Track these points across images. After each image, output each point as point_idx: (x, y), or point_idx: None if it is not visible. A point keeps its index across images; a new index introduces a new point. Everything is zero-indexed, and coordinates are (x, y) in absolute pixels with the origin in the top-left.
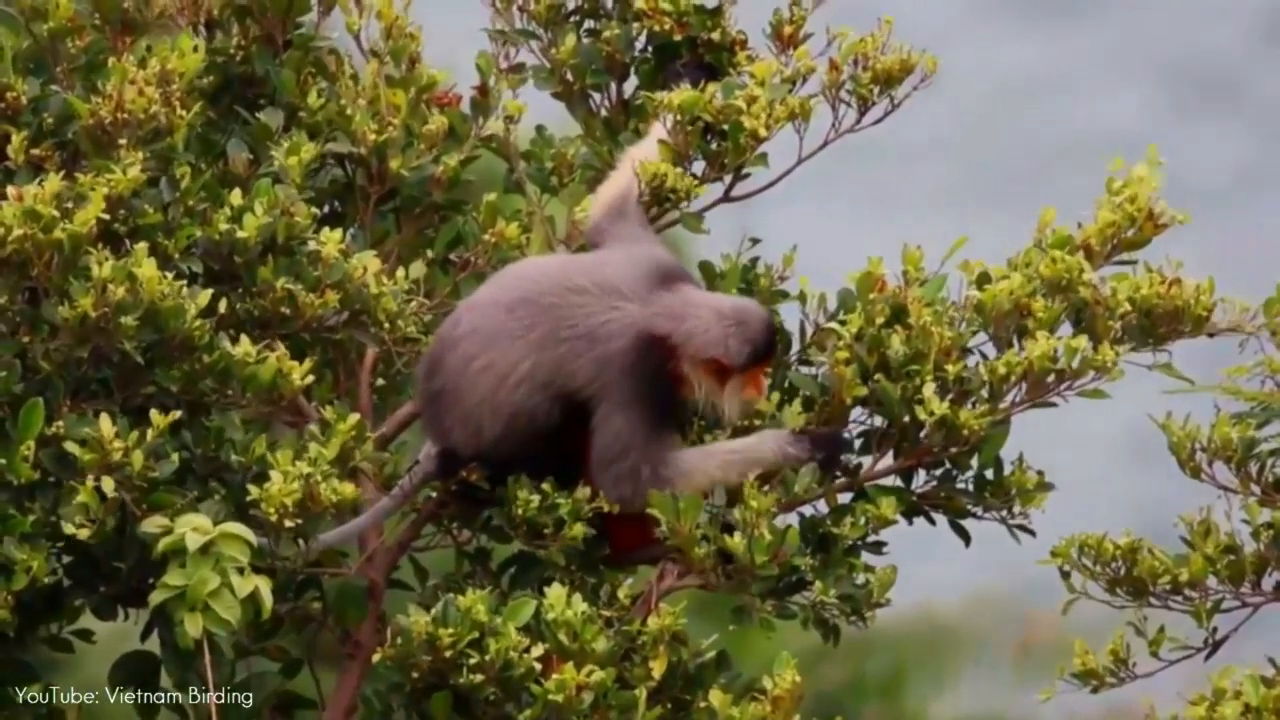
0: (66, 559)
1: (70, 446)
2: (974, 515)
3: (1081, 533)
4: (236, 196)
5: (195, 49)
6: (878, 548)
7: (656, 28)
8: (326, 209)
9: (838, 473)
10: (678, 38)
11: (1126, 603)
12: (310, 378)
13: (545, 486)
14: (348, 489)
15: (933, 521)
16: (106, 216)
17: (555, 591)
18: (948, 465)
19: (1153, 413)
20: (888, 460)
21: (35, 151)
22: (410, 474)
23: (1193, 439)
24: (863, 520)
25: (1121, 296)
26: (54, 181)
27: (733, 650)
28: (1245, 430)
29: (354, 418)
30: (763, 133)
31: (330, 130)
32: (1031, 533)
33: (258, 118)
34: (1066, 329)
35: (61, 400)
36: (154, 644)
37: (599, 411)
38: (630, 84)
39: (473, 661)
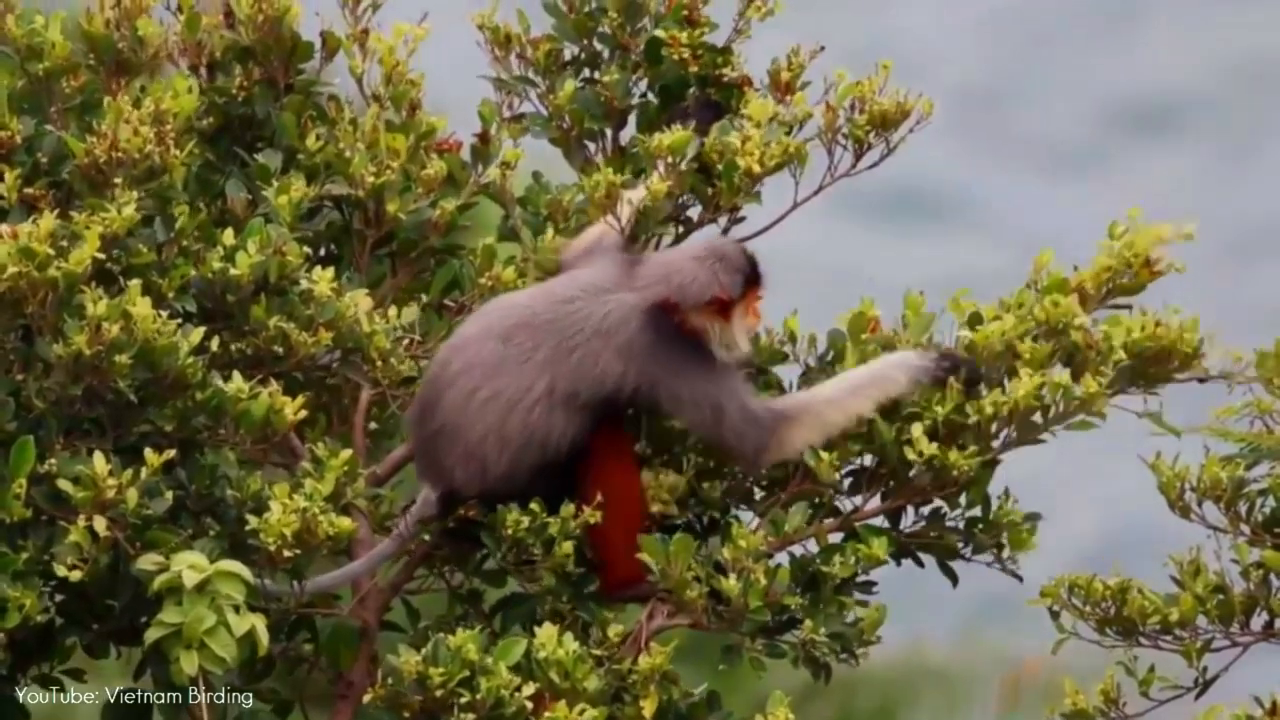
0: (59, 597)
1: (63, 484)
2: (963, 557)
3: (1071, 573)
4: (229, 236)
5: (190, 90)
6: (868, 587)
7: (675, 56)
8: (323, 251)
9: (974, 386)
10: (693, 69)
11: (1116, 642)
12: (303, 413)
13: (534, 506)
14: (344, 523)
15: (921, 564)
16: (101, 255)
17: (546, 630)
18: (936, 504)
19: (1125, 448)
20: (877, 500)
21: (30, 190)
22: (406, 519)
23: (1182, 479)
24: (853, 559)
25: (1116, 342)
26: (48, 220)
27: (722, 688)
28: (1234, 471)
29: (346, 453)
30: (756, 169)
31: (328, 173)
32: (1019, 578)
33: (257, 159)
34: (1058, 370)
35: (55, 438)
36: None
37: (663, 400)
38: (627, 131)
39: (464, 701)
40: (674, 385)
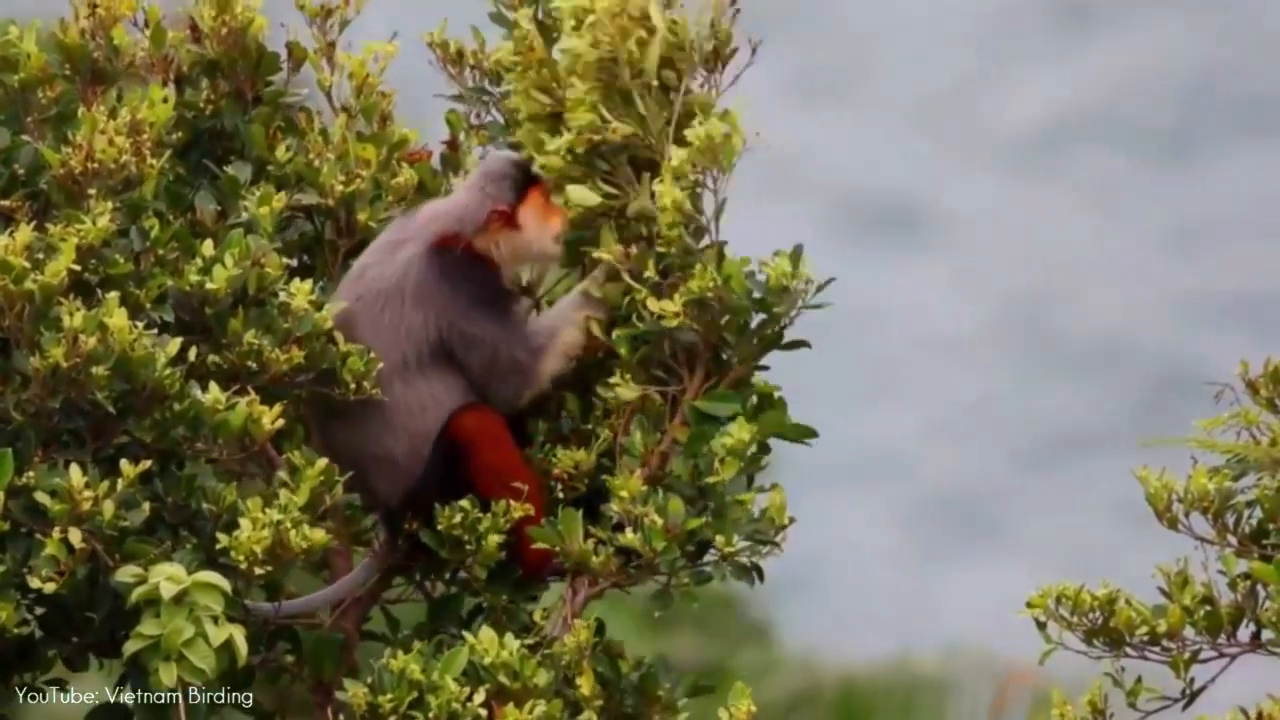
0: (39, 610)
1: (41, 497)
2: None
3: (1061, 583)
4: (208, 247)
5: (165, 100)
6: (756, 461)
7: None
8: (295, 262)
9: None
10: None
11: (1103, 653)
12: (280, 422)
13: (465, 504)
14: (318, 535)
15: (766, 367)
16: (77, 267)
17: (486, 634)
18: (742, 325)
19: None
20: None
21: (6, 202)
22: (376, 545)
23: (1170, 490)
24: (724, 455)
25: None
26: (25, 232)
27: (705, 702)
28: (1221, 482)
29: (322, 462)
30: None
31: (299, 184)
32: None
33: (226, 171)
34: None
35: (33, 451)
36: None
37: (457, 344)
38: None
39: None
40: (464, 325)
